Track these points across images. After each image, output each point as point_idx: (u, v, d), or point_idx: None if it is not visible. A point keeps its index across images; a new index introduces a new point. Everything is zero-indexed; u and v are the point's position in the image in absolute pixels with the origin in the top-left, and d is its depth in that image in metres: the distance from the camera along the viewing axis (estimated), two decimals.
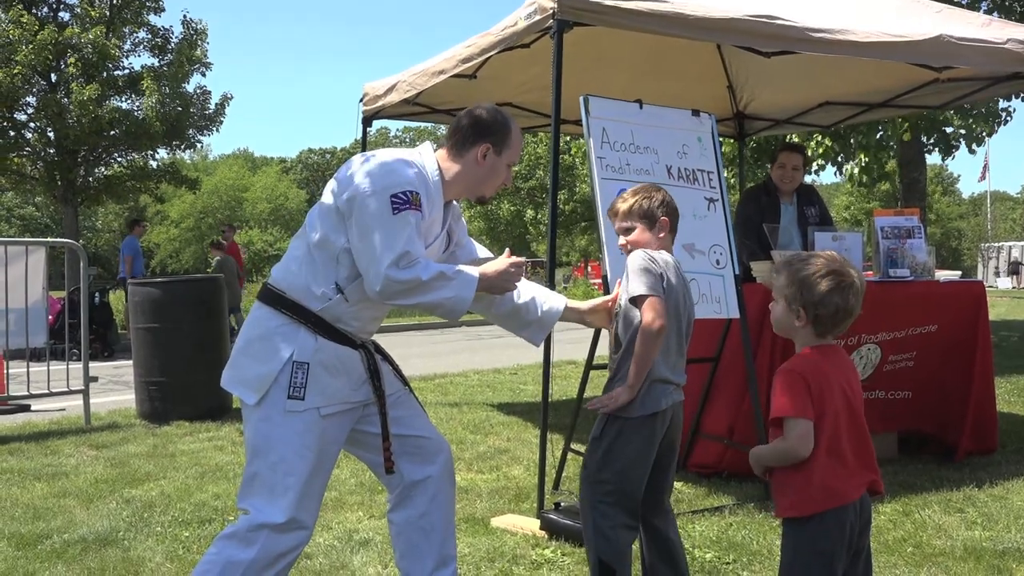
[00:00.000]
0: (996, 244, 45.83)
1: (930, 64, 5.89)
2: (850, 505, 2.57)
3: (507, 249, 3.28)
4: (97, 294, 14.06)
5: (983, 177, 59.47)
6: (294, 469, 2.84)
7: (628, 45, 6.64)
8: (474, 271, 2.91)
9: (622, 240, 3.23)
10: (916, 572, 3.83)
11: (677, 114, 5.14)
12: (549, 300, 3.30)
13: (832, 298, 2.54)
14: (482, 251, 3.38)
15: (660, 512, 3.21)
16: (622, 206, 3.22)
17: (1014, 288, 38.19)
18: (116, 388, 10.17)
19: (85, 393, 7.70)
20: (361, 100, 7.48)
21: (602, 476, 3.08)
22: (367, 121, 7.69)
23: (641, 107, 4.96)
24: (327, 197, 2.92)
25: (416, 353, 13.34)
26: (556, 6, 4.60)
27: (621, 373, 3.09)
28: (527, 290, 3.27)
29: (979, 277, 36.74)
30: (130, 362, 8.21)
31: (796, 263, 2.63)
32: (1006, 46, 5.61)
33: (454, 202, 3.20)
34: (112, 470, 5.89)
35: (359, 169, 2.87)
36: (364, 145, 8.16)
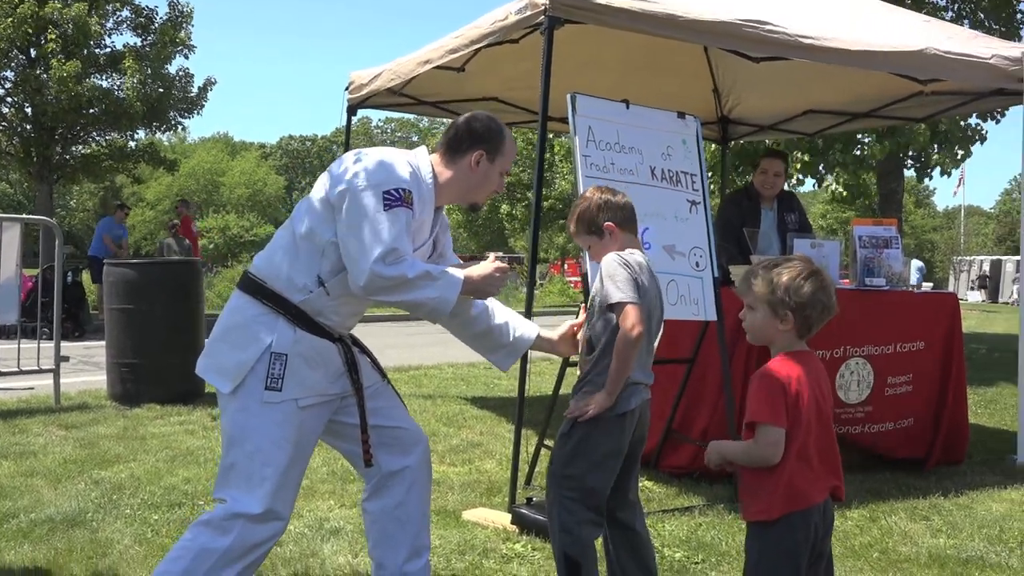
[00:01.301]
0: (968, 258, 46.31)
1: (917, 76, 5.94)
2: (815, 507, 2.59)
3: (491, 254, 3.30)
4: (70, 273, 13.89)
5: (957, 191, 60.39)
6: (271, 459, 2.83)
7: (615, 45, 6.64)
8: (459, 273, 2.91)
9: (584, 245, 3.33)
10: None
11: (663, 115, 5.16)
12: (522, 327, 3.31)
13: (819, 297, 2.57)
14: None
15: (626, 505, 3.24)
16: (571, 227, 3.32)
17: (984, 301, 38.60)
18: (87, 369, 10.06)
19: (56, 372, 7.61)
20: (347, 88, 7.43)
21: (568, 472, 3.10)
22: (352, 110, 7.64)
23: (627, 107, 4.97)
24: (318, 190, 2.92)
25: (391, 344, 13.29)
26: (548, 2, 4.61)
27: (592, 375, 3.12)
28: (501, 314, 3.29)
29: (950, 289, 37.15)
30: (102, 343, 8.14)
31: (773, 269, 2.64)
32: (991, 61, 5.68)
33: (443, 212, 3.21)
34: (81, 451, 5.83)
35: (353, 164, 2.88)
36: (348, 134, 8.13)
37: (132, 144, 20.19)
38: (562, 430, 3.14)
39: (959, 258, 45.79)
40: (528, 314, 4.79)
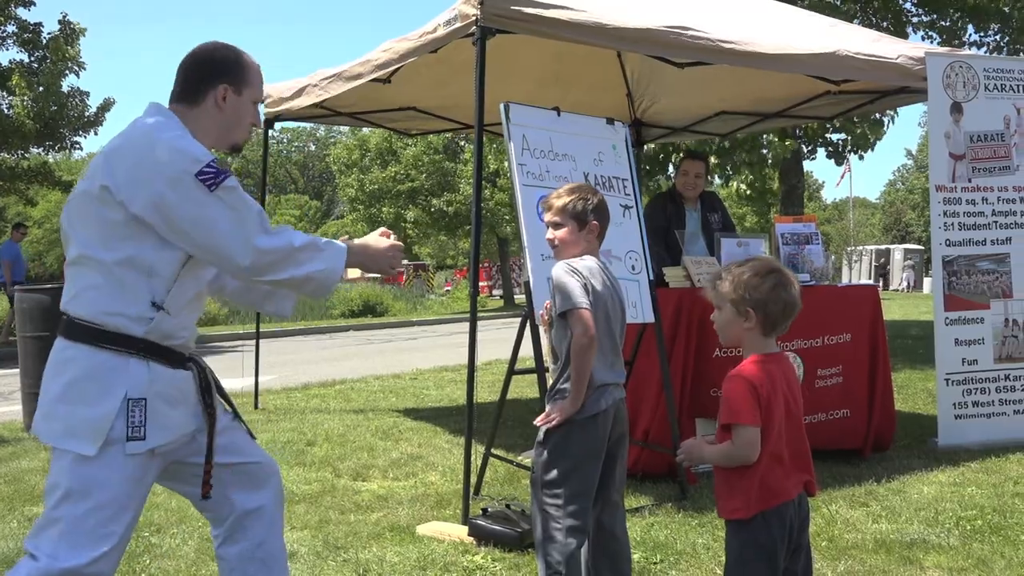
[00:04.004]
0: (859, 248, 48.13)
1: (831, 77, 6.16)
2: (789, 503, 2.68)
3: (382, 228, 2.98)
4: None
5: (840, 182, 63.03)
6: (119, 518, 2.47)
7: (530, 52, 6.70)
8: (339, 242, 2.67)
9: (550, 234, 3.31)
10: (834, 565, 4.00)
11: (592, 122, 5.23)
12: None
13: (779, 294, 2.65)
14: None
15: (608, 506, 3.28)
16: (556, 202, 3.29)
17: (882, 290, 40.19)
18: None
19: None
20: (263, 102, 7.32)
21: (548, 479, 3.14)
22: (269, 123, 7.56)
23: (559, 114, 5.03)
24: (108, 210, 2.49)
25: (306, 359, 13.11)
26: (479, 13, 4.62)
27: (561, 382, 3.17)
28: None
29: (844, 279, 38.55)
30: (5, 372, 7.80)
31: (737, 268, 2.72)
32: (898, 61, 5.92)
33: None
34: (6, 487, 5.58)
35: (137, 164, 2.48)
36: (266, 147, 8.04)
37: (24, 164, 19.37)
38: (538, 437, 3.19)
39: (851, 249, 47.52)
40: (473, 317, 4.81)
